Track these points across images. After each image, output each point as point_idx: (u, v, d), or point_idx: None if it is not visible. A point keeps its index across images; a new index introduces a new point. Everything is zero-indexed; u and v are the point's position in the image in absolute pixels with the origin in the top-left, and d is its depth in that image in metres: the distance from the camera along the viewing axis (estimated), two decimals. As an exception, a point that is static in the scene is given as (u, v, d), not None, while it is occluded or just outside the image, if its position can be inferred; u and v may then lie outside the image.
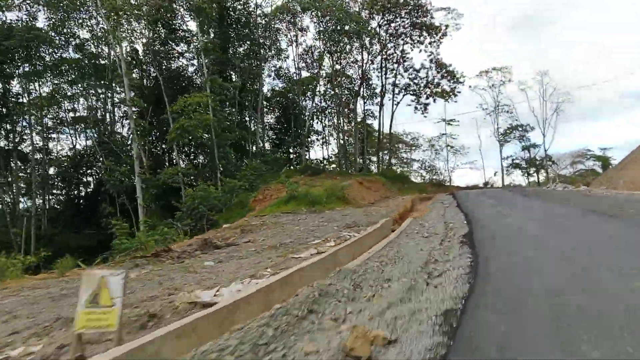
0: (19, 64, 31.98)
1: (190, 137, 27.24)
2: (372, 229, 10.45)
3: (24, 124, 35.67)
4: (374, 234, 9.87)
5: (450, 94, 42.01)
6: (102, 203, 30.52)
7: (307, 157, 43.84)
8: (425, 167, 68.86)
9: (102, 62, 37.36)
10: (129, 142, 34.00)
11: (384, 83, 42.13)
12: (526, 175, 59.16)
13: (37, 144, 36.71)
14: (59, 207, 38.77)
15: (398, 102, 42.29)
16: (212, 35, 35.31)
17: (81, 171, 38.63)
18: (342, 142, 45.49)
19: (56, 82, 36.78)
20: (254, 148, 35.78)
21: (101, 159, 32.36)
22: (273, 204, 19.13)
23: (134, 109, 31.18)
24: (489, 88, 58.08)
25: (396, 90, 42.17)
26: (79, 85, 37.09)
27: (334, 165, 44.66)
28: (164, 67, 35.39)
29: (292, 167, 37.09)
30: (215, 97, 28.96)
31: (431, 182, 43.53)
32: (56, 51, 34.99)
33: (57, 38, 34.47)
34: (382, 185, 30.98)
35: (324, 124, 50.06)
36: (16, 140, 35.57)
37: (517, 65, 68.40)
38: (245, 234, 13.77)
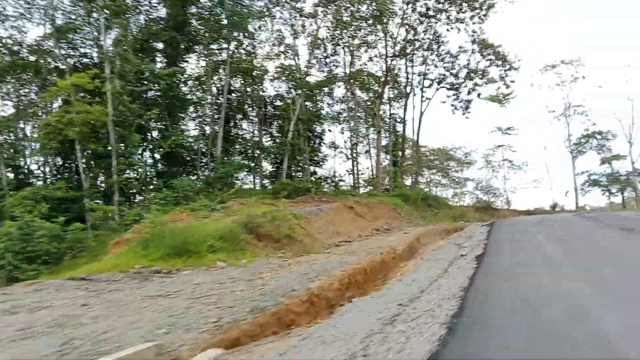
0: None
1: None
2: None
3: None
4: None
5: (502, 83, 31.31)
6: None
7: (312, 173, 34.71)
8: (480, 187, 57.93)
9: None
10: None
11: (409, 77, 32.26)
12: (607, 194, 46.26)
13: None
14: None
15: (429, 99, 32.23)
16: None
17: None
18: (356, 155, 35.84)
19: None
20: (204, 159, 26.03)
21: None
22: (127, 250, 10.28)
23: None
24: (556, 86, 46.43)
25: (426, 83, 32.11)
26: None
27: (344, 184, 35.05)
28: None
29: (265, 187, 28.10)
30: (123, 83, 20.09)
31: (475, 206, 32.75)
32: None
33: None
34: (391, 209, 21.40)
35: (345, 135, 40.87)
36: None
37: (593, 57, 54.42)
38: None
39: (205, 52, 27.00)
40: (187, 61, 27.77)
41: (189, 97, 25.58)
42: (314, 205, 19.28)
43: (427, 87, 32.10)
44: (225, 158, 28.20)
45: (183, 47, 27.04)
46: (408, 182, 48.86)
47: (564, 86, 45.43)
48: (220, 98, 28.34)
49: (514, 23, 74.32)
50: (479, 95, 31.92)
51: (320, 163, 38.44)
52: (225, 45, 27.22)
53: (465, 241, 12.44)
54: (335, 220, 16.66)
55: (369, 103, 38.83)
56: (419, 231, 16.68)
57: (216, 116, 27.57)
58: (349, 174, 35.67)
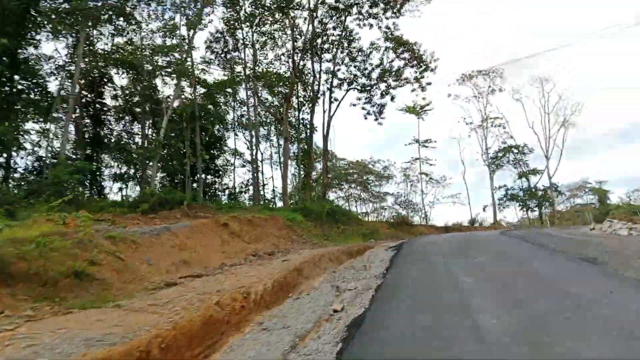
0: None
1: None
2: None
3: None
4: None
5: (417, 86, 28.20)
6: None
7: (209, 184, 29.77)
8: (399, 202, 55.60)
9: None
10: None
11: (316, 76, 28.36)
12: (524, 209, 45.15)
13: None
14: None
15: (337, 100, 28.48)
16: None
17: None
18: (258, 164, 31.24)
19: None
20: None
21: None
22: None
23: None
24: (473, 98, 45.09)
25: (335, 83, 28.39)
26: None
27: (247, 198, 30.34)
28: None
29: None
30: None
31: (389, 222, 29.24)
32: None
33: None
34: (284, 227, 16.94)
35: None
36: None
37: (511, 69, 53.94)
38: None
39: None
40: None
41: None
42: (173, 222, 14.40)
43: (336, 86, 28.36)
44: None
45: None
46: (331, 195, 44.93)
47: (481, 98, 44.24)
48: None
49: (432, 32, 74.15)
50: (392, 99, 28.72)
51: (220, 172, 33.47)
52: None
53: (354, 277, 8.18)
54: (189, 243, 11.86)
55: (278, 106, 34.63)
56: (309, 256, 12.29)
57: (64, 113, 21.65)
58: (247, 185, 30.99)
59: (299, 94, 32.78)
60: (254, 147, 27.80)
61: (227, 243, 13.56)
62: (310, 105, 31.65)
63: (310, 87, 31.67)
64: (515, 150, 44.46)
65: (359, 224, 24.61)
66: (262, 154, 37.01)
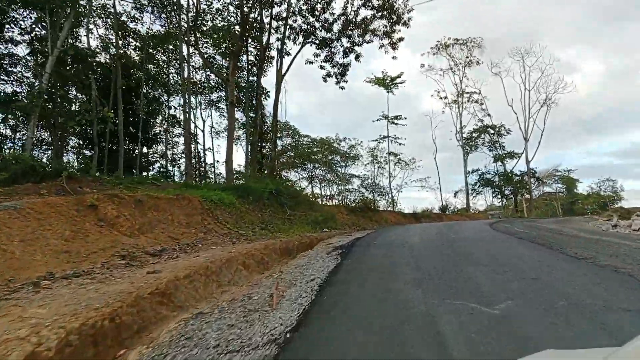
0: None
1: None
2: None
3: None
4: None
5: (387, 43, 23.43)
6: None
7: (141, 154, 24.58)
8: (366, 185, 51.38)
9: None
10: None
11: (265, 23, 23.27)
12: (499, 196, 41.63)
13: None
14: None
15: (293, 57, 23.50)
16: None
17: None
18: (192, 133, 26.10)
19: None
20: None
21: None
22: None
23: None
24: (449, 70, 40.80)
25: (289, 34, 23.28)
26: None
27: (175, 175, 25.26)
28: None
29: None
30: None
31: (349, 206, 24.61)
32: None
33: None
34: (201, 212, 11.99)
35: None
36: None
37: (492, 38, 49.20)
38: None
39: None
40: None
41: None
42: (18, 199, 9.36)
43: (289, 37, 23.28)
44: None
45: None
46: (293, 175, 40.72)
47: (458, 70, 40.03)
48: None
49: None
50: (357, 57, 23.85)
51: (157, 141, 28.14)
52: None
53: (225, 338, 3.32)
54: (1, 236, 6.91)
55: (225, 67, 29.39)
56: (210, 260, 7.49)
57: None
58: (179, 157, 25.77)
59: (250, 52, 27.58)
60: (187, 111, 22.48)
61: (84, 236, 8.59)
62: (266, 65, 26.54)
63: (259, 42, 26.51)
64: (492, 131, 40.74)
65: (312, 208, 19.95)
66: (203, 121, 31.78)
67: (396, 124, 41.83)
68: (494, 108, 46.38)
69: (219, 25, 27.32)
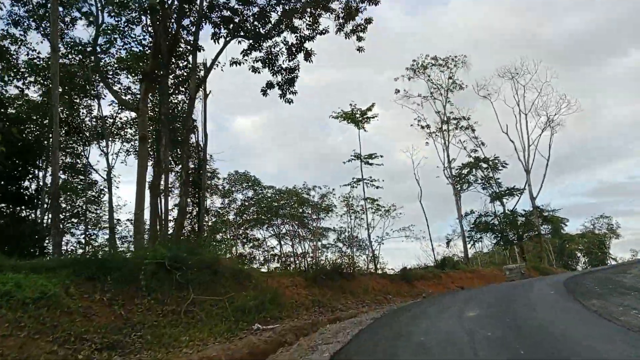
0: None
1: None
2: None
3: None
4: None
5: (349, 29, 16.33)
6: None
7: None
8: (342, 239, 43.20)
9: None
10: None
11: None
12: (500, 243, 34.21)
13: None
14: None
15: (214, 59, 16.29)
16: None
17: None
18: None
19: None
20: None
21: None
22: None
23: None
24: (430, 97, 34.40)
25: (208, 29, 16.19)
26: None
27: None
28: None
29: None
30: None
31: (309, 272, 16.25)
32: None
33: None
34: None
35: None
36: None
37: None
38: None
39: None
40: None
41: None
42: None
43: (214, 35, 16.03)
44: None
45: None
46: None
47: (440, 95, 33.73)
48: None
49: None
50: (308, 56, 16.59)
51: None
52: None
53: None
54: None
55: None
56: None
57: None
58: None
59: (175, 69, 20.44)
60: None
61: None
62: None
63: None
64: (485, 165, 34.09)
65: (241, 285, 12.07)
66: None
67: (371, 164, 34.68)
68: (485, 138, 39.76)
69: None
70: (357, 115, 35.61)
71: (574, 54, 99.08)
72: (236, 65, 16.48)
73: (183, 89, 21.33)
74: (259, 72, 16.55)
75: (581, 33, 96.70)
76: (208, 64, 18.04)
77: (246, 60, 16.45)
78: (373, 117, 35.55)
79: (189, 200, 23.81)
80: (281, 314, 11.59)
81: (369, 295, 16.66)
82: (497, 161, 34.02)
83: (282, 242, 45.82)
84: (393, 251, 78.24)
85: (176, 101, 22.69)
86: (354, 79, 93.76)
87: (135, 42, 21.61)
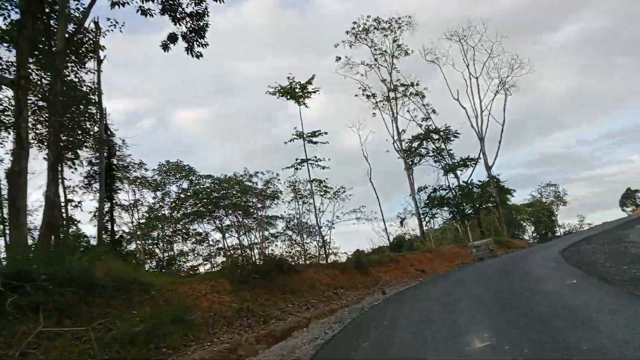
0: None
1: None
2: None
3: None
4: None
5: None
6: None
7: None
8: (292, 226, 40.12)
9: None
10: None
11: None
12: (457, 217, 32.16)
13: None
14: None
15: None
16: None
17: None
18: None
19: None
20: None
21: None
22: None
23: None
24: (374, 63, 31.48)
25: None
26: None
27: None
28: None
29: None
30: None
31: (237, 271, 12.87)
32: None
33: None
34: None
35: None
36: None
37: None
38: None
39: None
40: None
41: None
42: None
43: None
44: None
45: None
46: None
47: (385, 61, 30.91)
48: None
49: None
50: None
51: None
52: None
53: None
54: None
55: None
56: None
57: None
58: None
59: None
60: None
61: None
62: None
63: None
64: (436, 136, 31.76)
65: (132, 299, 8.59)
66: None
67: (315, 142, 31.44)
68: (436, 107, 37.14)
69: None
70: (297, 90, 32.28)
71: (510, 31, 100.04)
72: (119, 7, 12.69)
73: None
74: (151, 15, 12.84)
75: (515, 11, 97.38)
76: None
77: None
78: (314, 92, 32.27)
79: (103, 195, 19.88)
80: (187, 338, 8.20)
81: (316, 292, 13.49)
82: (448, 131, 31.83)
83: (227, 235, 42.07)
84: (345, 235, 75.26)
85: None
86: (300, 65, 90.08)
87: None
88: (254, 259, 20.85)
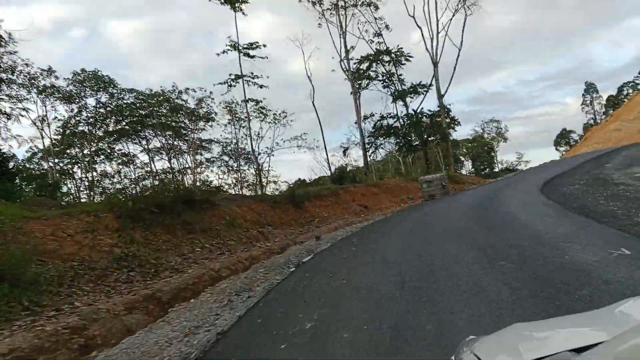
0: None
1: None
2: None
3: None
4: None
5: None
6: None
7: None
8: (229, 151, 37.79)
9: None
10: None
11: None
12: (404, 149, 30.32)
13: None
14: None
15: None
16: None
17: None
18: None
19: None
20: None
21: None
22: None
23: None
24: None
25: None
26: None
27: None
28: None
29: None
30: None
31: (126, 204, 10.08)
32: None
33: None
34: None
35: None
36: None
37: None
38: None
39: None
40: None
41: None
42: None
43: None
44: None
45: None
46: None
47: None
48: None
49: None
50: None
51: None
52: None
53: None
54: None
55: None
56: None
57: None
58: None
59: None
60: None
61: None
62: None
63: None
64: (387, 58, 28.95)
65: None
66: None
67: (252, 56, 27.58)
68: (390, 24, 33.53)
69: None
70: (232, -8, 27.76)
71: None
72: None
73: None
74: None
75: None
76: None
77: None
78: (253, -5, 27.95)
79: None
80: (16, 307, 5.41)
81: (236, 231, 10.93)
82: (400, 53, 29.03)
83: (157, 158, 38.30)
84: (286, 163, 72.97)
85: None
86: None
87: None
88: (178, 186, 17.79)
